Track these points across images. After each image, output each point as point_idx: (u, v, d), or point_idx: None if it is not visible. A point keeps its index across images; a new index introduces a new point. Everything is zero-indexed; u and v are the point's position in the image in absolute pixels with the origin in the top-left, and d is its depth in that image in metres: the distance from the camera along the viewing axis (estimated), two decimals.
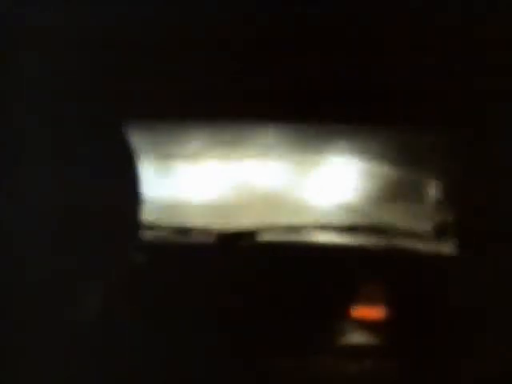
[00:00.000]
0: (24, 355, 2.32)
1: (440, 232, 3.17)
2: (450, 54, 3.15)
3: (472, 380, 2.93)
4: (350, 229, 3.24)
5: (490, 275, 3.01)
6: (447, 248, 3.12)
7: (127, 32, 3.10)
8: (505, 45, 3.06)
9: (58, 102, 3.04)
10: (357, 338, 3.02)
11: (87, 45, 3.06)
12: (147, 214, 3.36)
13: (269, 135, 3.36)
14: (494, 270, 3.01)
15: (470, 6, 3.07)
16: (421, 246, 3.17)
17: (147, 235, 3.25)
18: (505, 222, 3.06)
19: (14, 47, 3.08)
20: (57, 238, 2.32)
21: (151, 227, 3.26)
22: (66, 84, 3.04)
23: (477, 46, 3.09)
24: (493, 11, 3.06)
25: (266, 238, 3.20)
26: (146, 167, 3.44)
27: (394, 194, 3.34)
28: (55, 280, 2.51)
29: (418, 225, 3.23)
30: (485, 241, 3.05)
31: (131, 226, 2.47)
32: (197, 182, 3.42)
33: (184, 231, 3.24)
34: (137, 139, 3.40)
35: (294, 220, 3.30)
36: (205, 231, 3.23)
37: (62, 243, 2.37)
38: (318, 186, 3.41)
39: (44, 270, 2.35)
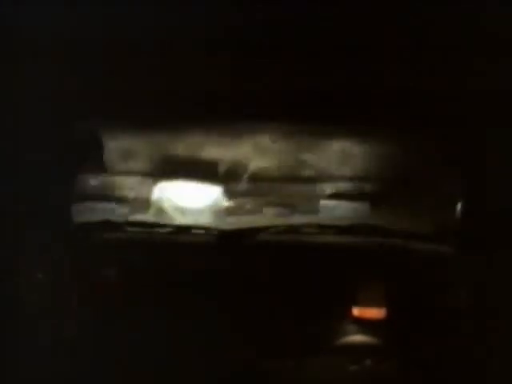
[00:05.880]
0: None
1: (440, 232, 3.18)
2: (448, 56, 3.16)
3: (472, 379, 2.94)
4: (350, 229, 3.24)
5: (489, 275, 3.01)
6: (447, 248, 3.12)
7: (125, 33, 3.11)
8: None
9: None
10: (357, 337, 3.02)
11: (84, 46, 3.09)
12: (148, 214, 3.40)
13: (268, 135, 3.37)
14: (493, 270, 3.01)
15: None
16: (420, 246, 3.17)
17: (148, 235, 3.27)
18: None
19: (14, 48, 3.11)
20: None
21: (152, 227, 3.28)
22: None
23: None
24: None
25: (265, 237, 3.20)
26: (146, 167, 3.47)
27: (393, 194, 3.35)
28: None
29: (418, 225, 3.23)
30: (485, 241, 3.06)
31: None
32: (196, 182, 3.43)
33: (184, 231, 3.25)
34: (136, 140, 3.46)
35: (294, 220, 3.31)
36: (205, 231, 3.23)
37: None
38: (318, 186, 3.42)
39: None
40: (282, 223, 3.27)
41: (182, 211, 3.40)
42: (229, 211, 3.39)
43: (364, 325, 3.00)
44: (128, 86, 3.19)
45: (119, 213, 3.36)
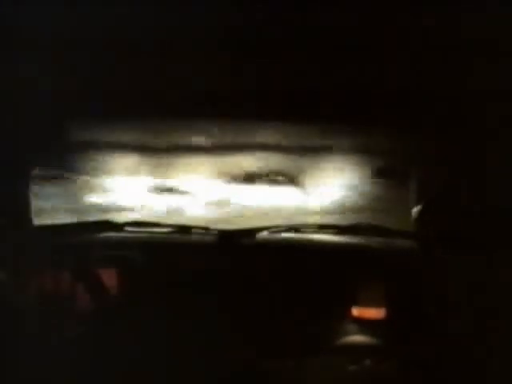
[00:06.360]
0: None
1: (440, 232, 3.18)
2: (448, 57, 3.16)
3: (472, 379, 2.93)
4: (350, 229, 3.24)
5: (489, 275, 3.01)
6: (447, 248, 3.12)
7: (126, 32, 3.11)
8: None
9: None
10: (357, 337, 3.02)
11: (85, 44, 3.09)
12: (148, 214, 3.40)
13: (268, 135, 3.37)
14: (493, 270, 3.02)
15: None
16: (420, 246, 3.18)
17: (149, 235, 3.27)
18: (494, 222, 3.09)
19: (14, 48, 3.12)
20: None
21: (151, 227, 3.27)
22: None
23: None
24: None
25: (265, 237, 3.20)
26: (146, 168, 3.47)
27: (392, 194, 3.35)
28: None
29: (418, 225, 3.24)
30: (485, 241, 3.06)
31: None
32: (196, 182, 3.43)
33: (184, 231, 3.25)
34: (136, 141, 3.46)
35: (294, 220, 3.31)
36: (205, 231, 3.23)
37: None
38: (318, 186, 3.42)
39: None
40: (281, 223, 3.28)
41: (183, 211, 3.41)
42: (229, 211, 3.40)
43: (364, 325, 3.00)
44: (128, 86, 3.19)
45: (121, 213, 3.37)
